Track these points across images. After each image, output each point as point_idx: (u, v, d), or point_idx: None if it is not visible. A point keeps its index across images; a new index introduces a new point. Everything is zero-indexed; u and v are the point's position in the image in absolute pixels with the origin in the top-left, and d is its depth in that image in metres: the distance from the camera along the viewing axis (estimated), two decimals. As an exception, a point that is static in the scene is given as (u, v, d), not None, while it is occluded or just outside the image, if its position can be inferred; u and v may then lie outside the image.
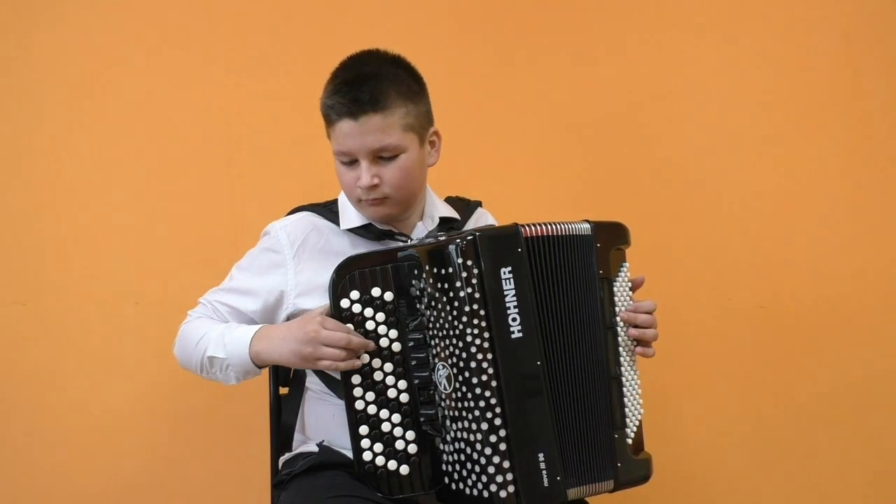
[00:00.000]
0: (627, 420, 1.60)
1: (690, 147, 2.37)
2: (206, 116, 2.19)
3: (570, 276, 1.57)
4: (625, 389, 1.61)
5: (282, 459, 1.76)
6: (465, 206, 1.83)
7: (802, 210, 2.39)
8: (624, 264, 1.64)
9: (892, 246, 2.40)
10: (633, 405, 1.61)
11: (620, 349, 1.61)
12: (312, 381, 1.73)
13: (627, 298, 1.64)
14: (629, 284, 1.65)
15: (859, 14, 2.42)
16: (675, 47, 2.38)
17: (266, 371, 1.85)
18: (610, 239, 1.61)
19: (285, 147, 2.21)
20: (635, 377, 1.63)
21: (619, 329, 1.61)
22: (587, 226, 1.60)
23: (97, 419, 2.11)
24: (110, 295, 2.12)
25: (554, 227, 1.57)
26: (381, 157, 1.62)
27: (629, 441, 1.60)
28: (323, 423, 1.70)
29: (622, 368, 1.61)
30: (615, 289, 1.62)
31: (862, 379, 2.39)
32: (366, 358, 1.55)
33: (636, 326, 1.62)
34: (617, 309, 1.61)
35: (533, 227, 1.55)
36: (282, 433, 1.76)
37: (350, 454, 1.61)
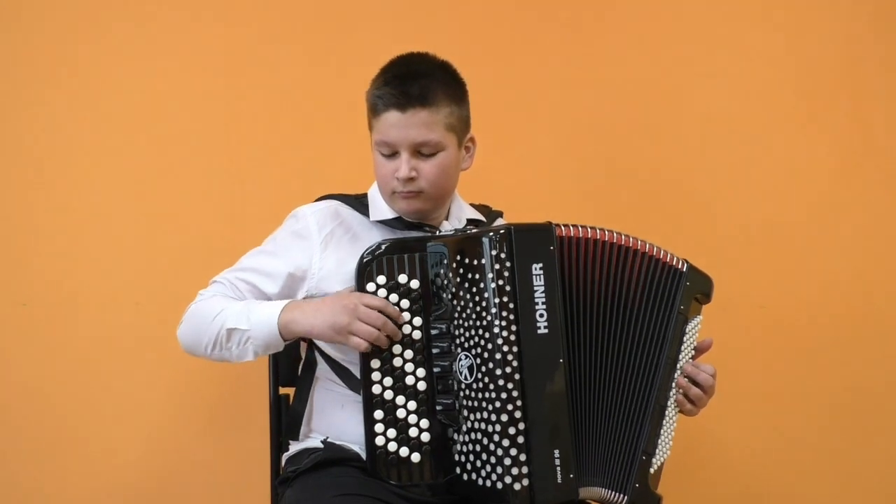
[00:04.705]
0: (657, 451, 1.61)
1: (690, 147, 2.40)
2: (207, 116, 2.17)
3: (643, 295, 1.61)
4: (664, 422, 1.62)
5: (285, 456, 1.75)
6: (488, 214, 1.85)
7: (802, 209, 2.43)
8: (698, 317, 1.67)
9: (893, 245, 2.45)
10: (664, 442, 1.62)
11: (673, 385, 1.63)
12: (322, 371, 1.72)
13: (691, 349, 1.66)
14: (696, 338, 1.67)
15: (859, 14, 2.47)
16: (674, 48, 2.41)
17: (266, 370, 1.86)
18: (697, 286, 1.66)
19: (286, 146, 2.21)
20: (674, 420, 1.65)
21: (679, 367, 1.64)
22: (685, 264, 1.65)
23: (97, 419, 2.09)
24: (110, 295, 2.10)
25: (624, 238, 1.61)
26: (421, 151, 1.64)
27: (652, 470, 1.61)
28: (330, 413, 1.69)
29: (669, 402, 1.63)
30: (686, 329, 1.65)
31: (864, 379, 2.42)
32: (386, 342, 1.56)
33: (695, 383, 1.64)
34: (683, 347, 1.64)
35: (567, 227, 1.58)
36: (291, 420, 1.74)
37: (356, 448, 1.62)
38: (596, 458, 1.58)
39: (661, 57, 2.40)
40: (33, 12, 2.11)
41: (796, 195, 2.43)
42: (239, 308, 1.62)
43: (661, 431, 1.61)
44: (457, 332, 1.55)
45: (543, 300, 1.52)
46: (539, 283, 1.52)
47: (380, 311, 1.53)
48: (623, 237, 1.61)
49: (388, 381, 1.56)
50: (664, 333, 1.61)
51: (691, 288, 1.64)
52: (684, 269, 1.64)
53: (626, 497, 1.57)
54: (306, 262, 1.68)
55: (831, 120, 2.45)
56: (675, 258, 1.64)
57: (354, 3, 2.26)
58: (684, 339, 1.64)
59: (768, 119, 2.43)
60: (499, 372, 1.50)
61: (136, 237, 2.12)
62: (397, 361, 1.56)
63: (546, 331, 1.52)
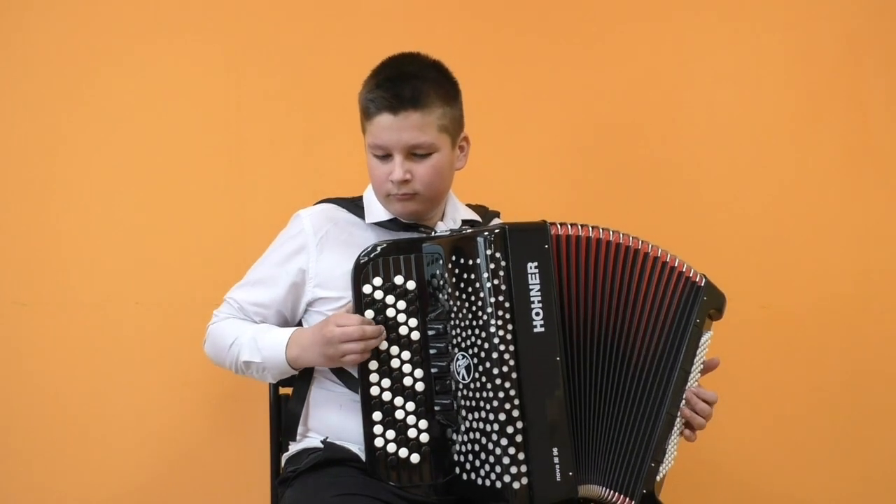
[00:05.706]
0: (664, 459, 1.61)
1: (690, 147, 2.39)
2: (208, 116, 2.18)
3: (657, 301, 1.61)
4: (673, 431, 1.62)
5: (284, 456, 1.76)
6: (485, 214, 1.85)
7: (803, 210, 2.42)
8: (709, 332, 1.66)
9: (893, 245, 2.44)
10: (671, 451, 1.62)
11: (683, 397, 1.62)
12: (320, 370, 1.72)
13: (699, 365, 1.65)
14: (705, 353, 1.66)
15: (860, 14, 2.46)
16: (675, 48, 2.40)
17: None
18: (713, 301, 1.66)
19: (287, 147, 2.21)
20: (677, 432, 1.64)
21: (690, 379, 1.63)
22: (704, 279, 1.64)
23: (97, 419, 2.09)
24: (111, 295, 2.11)
25: (625, 238, 1.61)
26: (415, 153, 1.65)
27: (658, 478, 1.60)
28: (328, 413, 1.70)
29: (677, 412, 1.63)
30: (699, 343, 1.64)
31: (864, 379, 2.42)
32: (384, 345, 1.56)
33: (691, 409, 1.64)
34: (695, 360, 1.63)
35: (563, 226, 1.58)
36: (287, 421, 1.75)
37: (355, 448, 1.63)
38: (598, 457, 1.57)
39: (661, 56, 2.39)
40: (34, 13, 2.11)
41: (796, 195, 2.42)
42: (249, 338, 1.68)
43: (670, 440, 1.61)
44: (454, 333, 1.55)
45: (539, 299, 1.52)
46: (535, 282, 1.53)
47: (354, 324, 1.55)
48: (630, 238, 1.61)
49: (386, 382, 1.56)
50: (679, 344, 1.61)
51: (708, 303, 1.64)
52: (703, 284, 1.64)
53: (633, 502, 1.57)
54: (304, 265, 1.71)
55: (831, 120, 2.44)
56: (692, 270, 1.64)
57: (356, 5, 2.26)
58: (697, 352, 1.63)
59: (768, 119, 2.42)
60: (496, 371, 1.50)
61: (137, 237, 2.13)
62: (395, 363, 1.57)
63: (542, 329, 1.52)
